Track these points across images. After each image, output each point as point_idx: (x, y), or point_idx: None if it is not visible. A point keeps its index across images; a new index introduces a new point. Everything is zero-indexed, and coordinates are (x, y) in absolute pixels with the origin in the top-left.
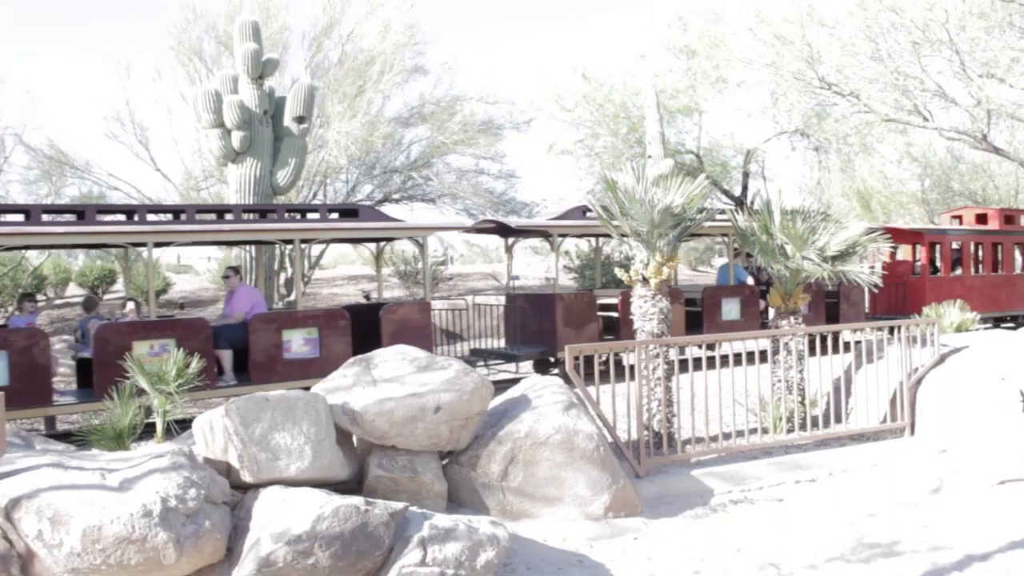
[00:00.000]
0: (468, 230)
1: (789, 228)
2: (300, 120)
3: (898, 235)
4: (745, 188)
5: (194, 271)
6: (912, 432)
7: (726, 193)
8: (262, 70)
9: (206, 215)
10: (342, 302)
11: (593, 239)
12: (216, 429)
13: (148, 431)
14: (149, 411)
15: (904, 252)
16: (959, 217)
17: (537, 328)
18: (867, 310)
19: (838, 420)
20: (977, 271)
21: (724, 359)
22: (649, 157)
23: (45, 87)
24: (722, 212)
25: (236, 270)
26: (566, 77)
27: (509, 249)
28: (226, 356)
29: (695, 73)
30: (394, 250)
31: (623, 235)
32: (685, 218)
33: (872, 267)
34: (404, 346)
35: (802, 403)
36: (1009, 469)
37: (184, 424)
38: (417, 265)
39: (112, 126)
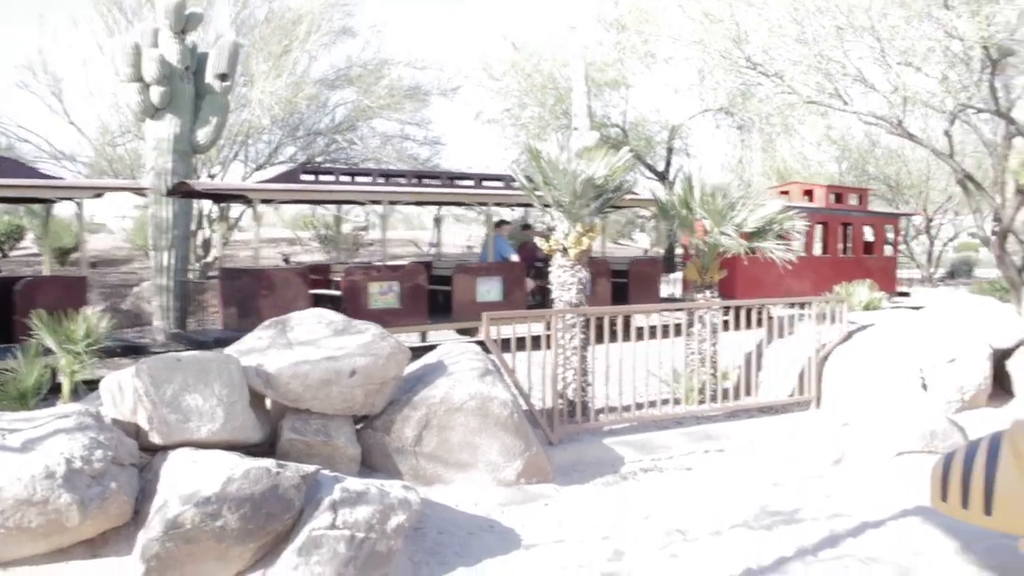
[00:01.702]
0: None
1: (709, 203)
2: (223, 78)
3: None
4: (668, 163)
5: (107, 229)
6: (818, 405)
7: (650, 168)
8: (185, 24)
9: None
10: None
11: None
12: (125, 390)
13: (56, 392)
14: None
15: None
16: (787, 193)
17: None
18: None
19: (748, 393)
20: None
21: (640, 331)
22: (575, 129)
23: None
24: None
25: None
26: (495, 45)
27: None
28: None
29: (624, 47)
30: (315, 213)
31: (545, 205)
32: (607, 190)
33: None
34: (322, 310)
35: (714, 376)
36: (906, 442)
37: (93, 385)
38: (340, 229)
39: (23, 75)
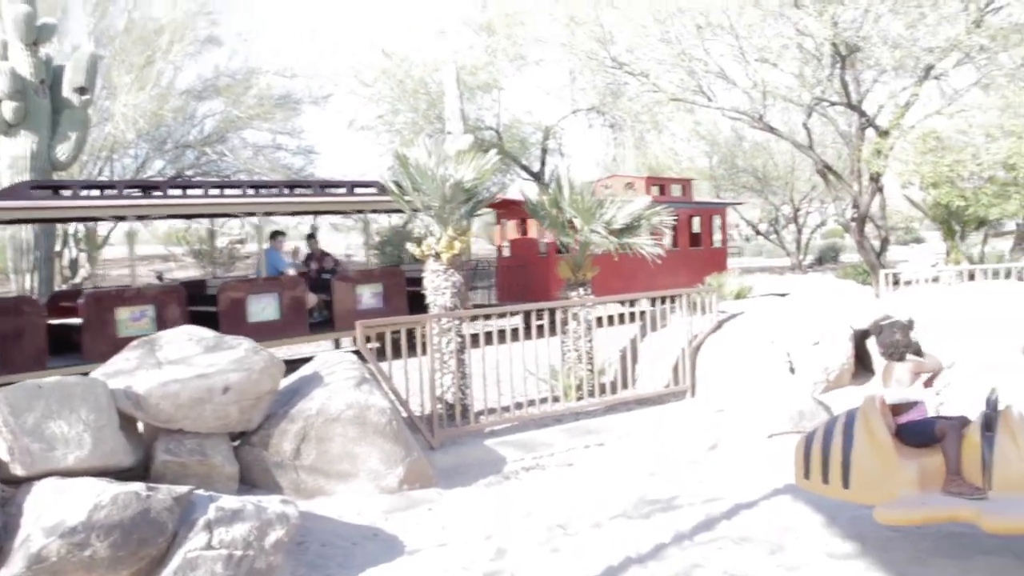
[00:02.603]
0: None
1: (578, 202)
2: (82, 91)
3: (509, 208)
4: (544, 164)
5: None
6: (693, 394)
7: (525, 169)
8: (37, 35)
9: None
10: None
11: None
12: None
13: None
14: None
15: (532, 228)
16: (608, 186)
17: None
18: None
19: (626, 386)
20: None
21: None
22: (449, 133)
23: None
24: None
25: None
26: (366, 52)
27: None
28: None
29: (495, 50)
30: (190, 228)
31: (415, 209)
32: (476, 193)
33: (501, 246)
34: (191, 327)
35: (591, 371)
36: (777, 424)
37: None
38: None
39: None
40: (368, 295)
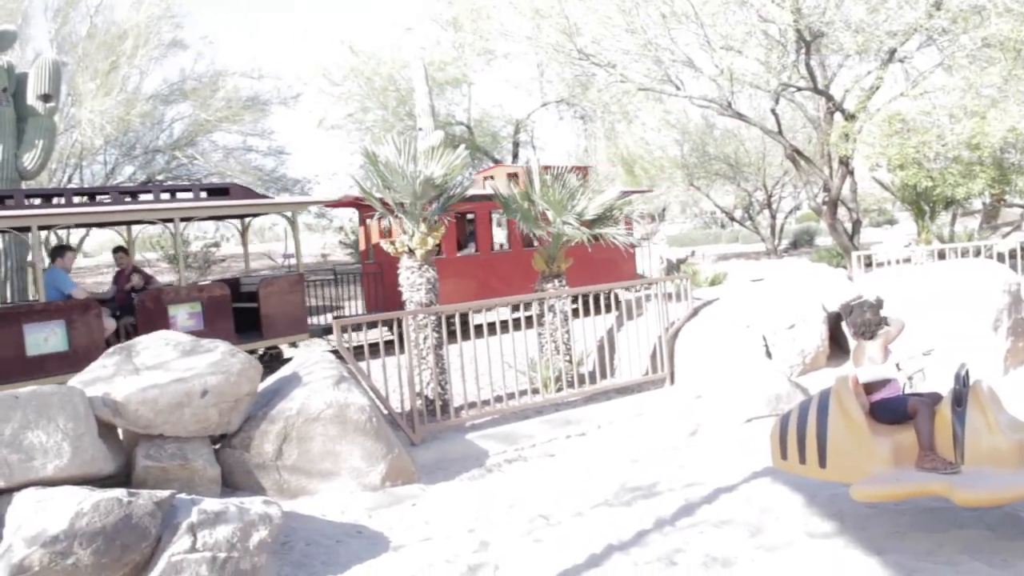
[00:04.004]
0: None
1: (549, 194)
2: (46, 98)
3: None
4: (516, 157)
5: None
6: (672, 382)
7: (497, 163)
8: None
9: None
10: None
11: None
12: None
13: None
14: None
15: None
16: (491, 178)
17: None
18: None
19: (605, 376)
20: (501, 248)
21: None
22: (420, 130)
23: None
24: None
25: None
26: (333, 51)
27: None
28: None
29: (462, 45)
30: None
31: (386, 207)
32: (446, 188)
33: (366, 251)
34: (167, 331)
35: (569, 362)
36: (754, 408)
37: None
38: (187, 248)
39: None
40: (184, 316)
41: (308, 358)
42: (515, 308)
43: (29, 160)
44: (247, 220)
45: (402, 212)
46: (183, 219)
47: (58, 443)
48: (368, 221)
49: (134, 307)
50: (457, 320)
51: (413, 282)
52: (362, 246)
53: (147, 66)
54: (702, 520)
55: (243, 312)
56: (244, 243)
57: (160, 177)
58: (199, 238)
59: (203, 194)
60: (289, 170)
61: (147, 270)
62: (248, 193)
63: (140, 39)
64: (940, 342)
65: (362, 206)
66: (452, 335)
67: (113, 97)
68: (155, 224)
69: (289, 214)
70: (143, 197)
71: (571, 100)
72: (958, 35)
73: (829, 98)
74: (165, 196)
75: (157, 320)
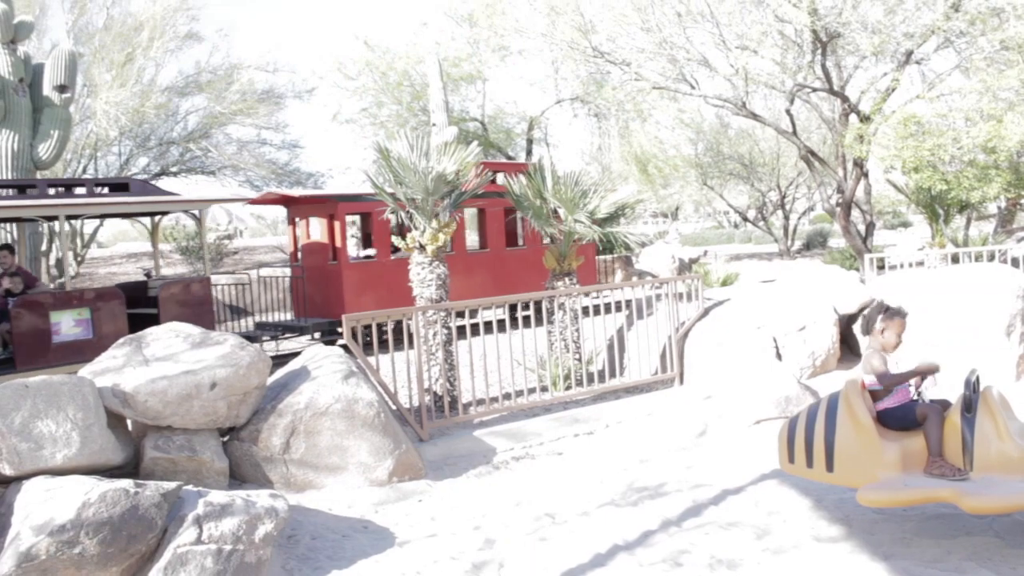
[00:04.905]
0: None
1: (561, 192)
2: (62, 89)
3: (300, 206)
4: (529, 154)
5: None
6: (681, 382)
7: (511, 160)
8: (14, 33)
9: None
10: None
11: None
12: None
13: None
14: None
15: (321, 230)
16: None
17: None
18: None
19: (613, 375)
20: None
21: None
22: (434, 125)
23: None
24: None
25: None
26: (349, 45)
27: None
28: None
29: (477, 41)
30: (177, 224)
31: (398, 202)
32: (459, 184)
33: (295, 253)
34: (177, 323)
35: (579, 361)
36: (763, 410)
37: None
38: (198, 240)
39: None
40: (69, 323)
41: (317, 352)
42: (518, 307)
43: (44, 150)
44: (157, 218)
45: (413, 208)
46: (68, 217)
47: (67, 433)
48: (297, 220)
49: (3, 315)
50: (467, 315)
51: (424, 278)
52: (290, 248)
53: (162, 58)
54: (709, 521)
55: (141, 319)
56: (154, 243)
57: (174, 169)
58: (212, 230)
59: (104, 189)
60: (303, 164)
61: (161, 261)
62: (151, 190)
63: (156, 31)
64: (951, 347)
65: (291, 204)
66: (461, 331)
67: (128, 88)
68: (36, 221)
69: (196, 212)
70: (30, 192)
71: (585, 98)
72: (976, 37)
73: (844, 99)
74: (52, 192)
75: (35, 327)
